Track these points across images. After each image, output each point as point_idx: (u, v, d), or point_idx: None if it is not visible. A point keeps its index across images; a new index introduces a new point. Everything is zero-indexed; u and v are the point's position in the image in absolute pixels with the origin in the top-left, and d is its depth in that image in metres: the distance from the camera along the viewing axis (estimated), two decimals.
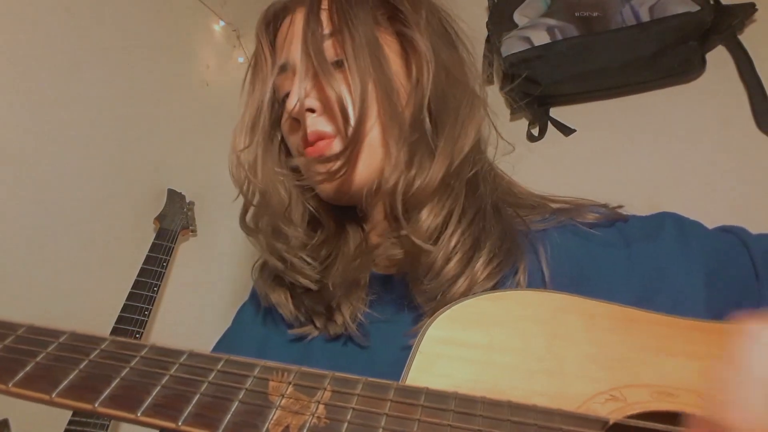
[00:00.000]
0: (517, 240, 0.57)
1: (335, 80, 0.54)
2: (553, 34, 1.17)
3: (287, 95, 0.59)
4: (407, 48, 0.58)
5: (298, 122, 0.58)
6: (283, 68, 0.60)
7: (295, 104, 0.56)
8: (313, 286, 0.59)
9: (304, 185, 0.60)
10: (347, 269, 0.59)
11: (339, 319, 0.59)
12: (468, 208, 0.56)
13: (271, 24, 0.63)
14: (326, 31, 0.56)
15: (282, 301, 0.62)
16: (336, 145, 0.55)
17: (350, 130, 0.53)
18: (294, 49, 0.58)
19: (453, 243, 0.53)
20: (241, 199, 0.63)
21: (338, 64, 0.55)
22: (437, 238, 0.53)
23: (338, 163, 0.54)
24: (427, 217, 0.53)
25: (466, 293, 0.51)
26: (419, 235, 0.52)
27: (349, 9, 0.56)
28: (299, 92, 0.56)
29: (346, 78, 0.54)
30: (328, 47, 0.56)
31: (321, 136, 0.56)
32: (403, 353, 0.53)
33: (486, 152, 0.62)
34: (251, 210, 0.62)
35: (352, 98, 0.53)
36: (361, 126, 0.53)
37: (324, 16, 0.57)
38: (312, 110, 0.56)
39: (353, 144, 0.54)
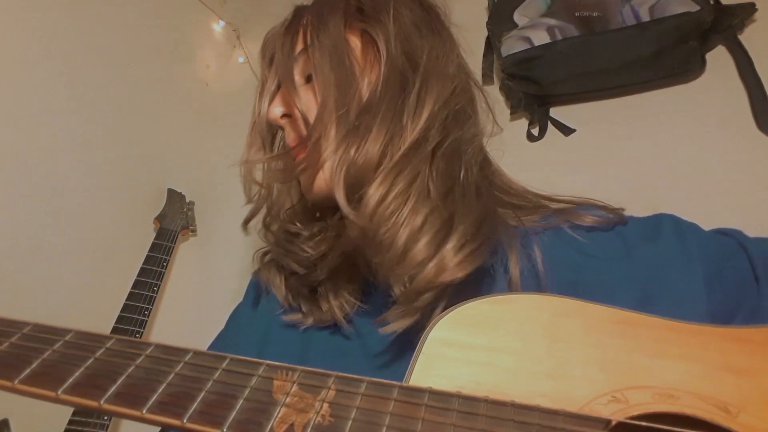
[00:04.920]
0: (503, 232, 0.56)
1: (296, 91, 0.60)
2: (553, 34, 1.17)
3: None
4: (368, 40, 0.61)
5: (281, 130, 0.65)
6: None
7: (268, 111, 0.63)
8: (300, 270, 0.61)
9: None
10: (338, 258, 0.59)
11: (324, 305, 0.60)
12: (437, 187, 0.55)
13: (268, 49, 0.67)
14: (299, 48, 0.62)
15: (277, 283, 0.65)
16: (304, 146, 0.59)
17: (310, 127, 0.58)
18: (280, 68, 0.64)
19: (418, 222, 0.52)
20: (241, 200, 0.66)
21: (309, 78, 0.61)
22: (395, 219, 0.52)
23: (305, 160, 0.58)
24: (373, 195, 0.52)
25: (434, 279, 0.50)
26: (363, 216, 0.52)
27: (320, 24, 0.61)
28: (272, 101, 0.63)
29: (313, 89, 0.60)
30: (302, 63, 0.61)
31: (303, 140, 0.60)
32: (390, 347, 0.54)
33: (469, 137, 0.61)
34: (261, 214, 0.66)
35: (317, 106, 0.58)
36: (320, 122, 0.57)
37: (299, 34, 0.62)
38: (289, 116, 0.62)
39: (311, 137, 0.57)
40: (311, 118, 0.58)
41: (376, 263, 0.53)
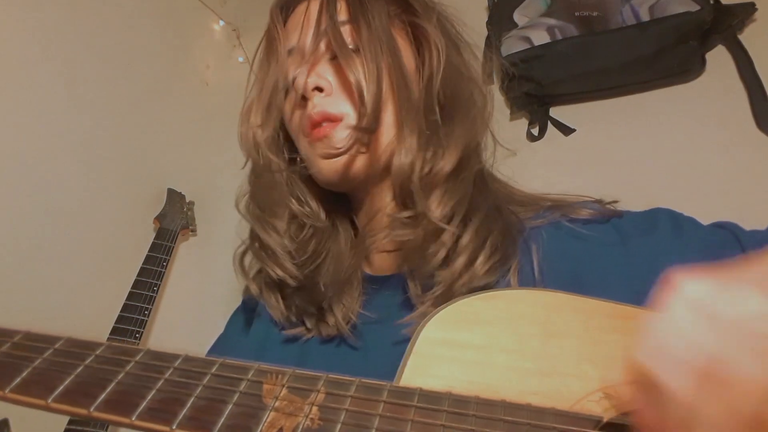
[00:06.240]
0: (515, 237, 0.57)
1: (354, 64, 0.55)
2: (553, 33, 1.17)
3: (294, 79, 0.59)
4: (419, 40, 0.60)
5: (304, 102, 0.58)
6: (291, 52, 0.60)
7: (306, 82, 0.56)
8: (291, 282, 0.59)
9: (302, 173, 0.60)
10: (338, 267, 0.59)
11: (331, 320, 0.59)
12: (479, 204, 0.56)
13: (284, 8, 0.63)
14: (343, 18, 0.57)
15: (273, 302, 0.62)
16: (343, 128, 0.56)
17: (365, 112, 0.54)
18: (309, 34, 0.59)
19: (467, 238, 0.53)
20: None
21: (353, 51, 0.56)
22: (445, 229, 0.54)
23: (350, 142, 0.55)
24: (438, 204, 0.53)
25: (467, 286, 0.51)
26: (432, 215, 0.53)
27: (365, 1, 0.57)
28: (312, 71, 0.57)
29: (362, 63, 0.55)
30: (345, 33, 0.57)
31: (327, 118, 0.56)
32: (397, 352, 0.54)
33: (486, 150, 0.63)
34: (255, 181, 0.62)
35: (367, 83, 0.54)
36: (377, 108, 0.54)
37: (341, 5, 0.58)
38: (320, 89, 0.57)
39: (368, 125, 0.54)
40: (367, 95, 0.54)
41: (416, 266, 0.54)
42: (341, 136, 0.55)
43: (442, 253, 0.53)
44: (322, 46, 0.58)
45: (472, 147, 0.57)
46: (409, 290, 0.55)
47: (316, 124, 0.56)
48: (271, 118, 0.60)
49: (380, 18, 0.57)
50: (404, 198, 0.55)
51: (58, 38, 1.13)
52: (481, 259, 0.53)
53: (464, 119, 0.57)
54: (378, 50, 0.55)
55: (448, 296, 0.51)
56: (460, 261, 0.52)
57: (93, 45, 1.19)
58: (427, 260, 0.53)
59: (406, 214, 0.55)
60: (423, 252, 0.54)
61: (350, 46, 0.56)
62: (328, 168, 0.57)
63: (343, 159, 0.56)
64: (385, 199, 0.59)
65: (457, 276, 0.52)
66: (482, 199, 0.57)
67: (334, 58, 0.57)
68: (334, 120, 0.56)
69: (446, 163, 0.54)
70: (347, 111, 0.56)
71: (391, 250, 0.60)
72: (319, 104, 0.56)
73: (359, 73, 0.54)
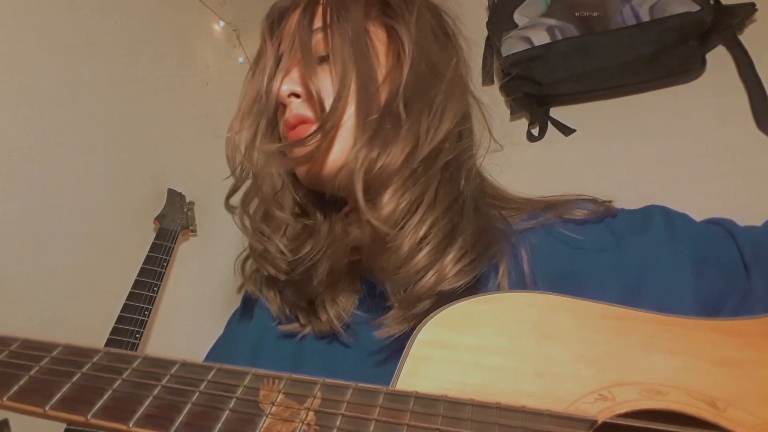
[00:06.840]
0: (498, 239, 0.56)
1: (315, 72, 0.57)
2: (553, 33, 1.17)
3: (271, 87, 0.61)
4: (393, 38, 0.60)
5: (284, 108, 0.61)
6: (279, 59, 0.63)
7: (280, 89, 0.59)
8: (280, 276, 0.60)
9: (290, 172, 0.62)
10: (332, 266, 0.59)
11: (323, 316, 0.60)
12: (442, 198, 0.55)
13: (275, 21, 0.65)
14: (317, 25, 0.59)
15: (271, 296, 0.63)
16: (311, 129, 0.57)
17: (324, 116, 0.56)
18: (289, 42, 0.62)
19: (422, 232, 0.53)
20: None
21: (325, 58, 0.59)
22: (403, 225, 0.53)
23: (311, 146, 0.56)
24: (389, 201, 0.53)
25: (434, 288, 0.51)
26: (378, 218, 0.52)
27: (341, 5, 0.59)
28: (287, 78, 0.60)
29: (330, 70, 0.57)
30: (318, 41, 0.59)
31: (302, 120, 0.58)
32: (383, 354, 0.54)
33: (471, 149, 0.62)
34: (242, 191, 0.63)
35: (332, 89, 0.56)
36: (335, 113, 0.55)
37: (318, 12, 0.60)
38: (297, 95, 0.59)
39: (324, 128, 0.56)
40: (327, 103, 0.56)
41: (379, 266, 0.54)
42: (308, 134, 0.57)
43: (404, 249, 0.52)
44: (297, 54, 0.60)
45: (437, 140, 0.56)
46: (386, 291, 0.55)
47: (292, 127, 0.59)
48: (250, 122, 0.62)
49: (354, 20, 0.58)
50: (355, 200, 0.55)
51: (58, 38, 1.13)
52: (449, 259, 0.52)
53: (421, 115, 0.57)
54: (345, 57, 0.57)
55: (413, 299, 0.51)
56: (421, 262, 0.52)
57: (93, 45, 1.19)
58: (388, 255, 0.53)
59: (360, 219, 0.55)
60: (381, 250, 0.53)
61: (323, 53, 0.58)
62: (301, 169, 0.60)
63: (309, 161, 0.58)
64: (350, 204, 0.60)
65: (420, 278, 0.51)
66: (454, 194, 0.57)
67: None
68: (309, 122, 0.58)
69: (393, 160, 0.54)
70: (317, 115, 0.57)
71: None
72: (295, 108, 0.59)
73: (323, 80, 0.57)
